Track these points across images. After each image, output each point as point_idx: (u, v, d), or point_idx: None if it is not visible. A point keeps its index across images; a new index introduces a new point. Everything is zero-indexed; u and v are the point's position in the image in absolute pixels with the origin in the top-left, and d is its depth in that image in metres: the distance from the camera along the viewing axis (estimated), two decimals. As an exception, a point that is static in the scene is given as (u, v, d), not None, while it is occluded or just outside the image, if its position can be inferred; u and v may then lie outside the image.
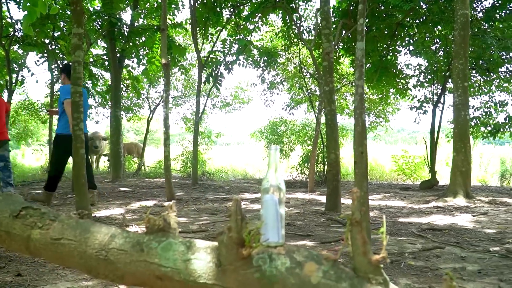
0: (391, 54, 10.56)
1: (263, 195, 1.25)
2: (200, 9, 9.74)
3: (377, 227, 4.44)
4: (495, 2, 9.01)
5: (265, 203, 1.24)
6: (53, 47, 10.14)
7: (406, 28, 9.91)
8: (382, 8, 9.46)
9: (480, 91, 10.96)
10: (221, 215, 5.48)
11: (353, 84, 11.87)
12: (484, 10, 9.45)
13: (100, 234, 1.19)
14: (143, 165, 14.31)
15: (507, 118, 10.42)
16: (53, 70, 11.20)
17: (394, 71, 10.71)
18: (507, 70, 10.10)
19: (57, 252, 1.22)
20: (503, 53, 9.18)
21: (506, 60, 9.63)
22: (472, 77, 10.44)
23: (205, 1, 9.63)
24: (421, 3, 9.28)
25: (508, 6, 8.91)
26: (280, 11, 9.94)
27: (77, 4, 4.34)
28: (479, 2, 9.63)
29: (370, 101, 13.56)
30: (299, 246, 1.10)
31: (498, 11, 9.01)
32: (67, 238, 1.21)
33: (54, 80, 11.31)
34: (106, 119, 17.17)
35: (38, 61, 10.55)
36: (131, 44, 10.06)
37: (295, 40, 11.23)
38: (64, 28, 9.91)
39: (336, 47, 9.63)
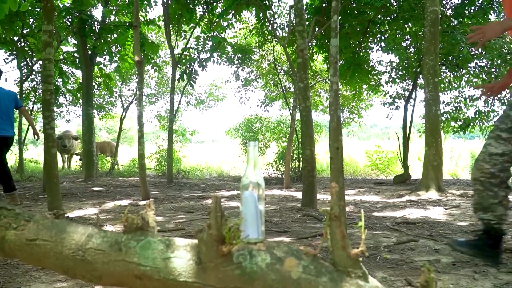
0: (363, 51, 10.69)
1: (243, 192, 1.25)
2: (172, 5, 9.64)
3: (353, 222, 4.49)
4: (464, -1, 9.21)
5: (245, 200, 1.24)
6: (22, 44, 9.89)
7: (378, 25, 10.04)
8: (354, 5, 9.57)
9: (450, 87, 11.20)
10: (198, 213, 5.45)
11: (328, 80, 11.98)
12: (453, 7, 9.65)
13: (76, 234, 1.17)
14: (117, 164, 14.14)
15: (477, 113, 10.69)
16: (22, 68, 10.95)
17: (367, 67, 10.85)
18: (476, 66, 10.35)
19: (32, 253, 1.19)
20: (472, 49, 9.39)
21: (475, 56, 9.86)
22: (442, 73, 10.64)
23: (177, -3, 9.56)
24: (392, 1, 9.42)
25: (476, 3, 9.12)
26: (254, 8, 9.93)
27: (47, 0, 4.24)
28: (449, -1, 9.84)
29: (343, 97, 13.68)
30: (278, 242, 1.10)
31: (467, 8, 9.22)
32: (42, 239, 1.18)
33: (24, 78, 11.06)
34: (77, 118, 16.89)
35: (7, 59, 10.30)
36: (102, 41, 9.89)
37: (269, 37, 11.24)
38: (34, 25, 9.69)
39: (310, 44, 9.69)
